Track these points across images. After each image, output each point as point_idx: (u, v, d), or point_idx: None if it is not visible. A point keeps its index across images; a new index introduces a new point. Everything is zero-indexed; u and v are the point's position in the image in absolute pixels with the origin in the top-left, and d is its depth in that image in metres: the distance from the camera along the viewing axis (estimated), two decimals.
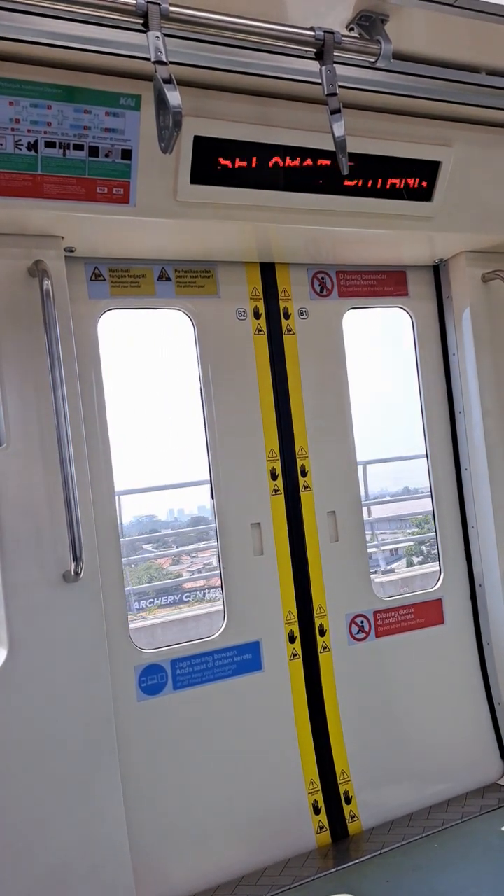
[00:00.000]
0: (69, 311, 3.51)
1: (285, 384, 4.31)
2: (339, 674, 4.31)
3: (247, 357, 4.24)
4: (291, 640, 4.22)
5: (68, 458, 3.28)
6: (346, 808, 4.20)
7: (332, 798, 4.19)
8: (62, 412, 3.28)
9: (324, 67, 2.85)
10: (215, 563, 4.13)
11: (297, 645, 4.23)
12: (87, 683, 3.42)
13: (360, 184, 3.74)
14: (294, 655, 4.22)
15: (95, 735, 3.42)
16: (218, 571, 4.07)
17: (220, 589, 4.06)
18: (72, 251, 3.68)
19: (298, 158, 3.55)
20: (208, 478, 4.16)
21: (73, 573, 3.32)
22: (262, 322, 4.29)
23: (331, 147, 3.00)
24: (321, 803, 4.15)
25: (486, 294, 4.64)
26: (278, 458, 4.26)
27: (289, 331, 4.35)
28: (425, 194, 3.93)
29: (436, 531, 4.80)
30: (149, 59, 2.54)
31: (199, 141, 3.31)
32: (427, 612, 4.63)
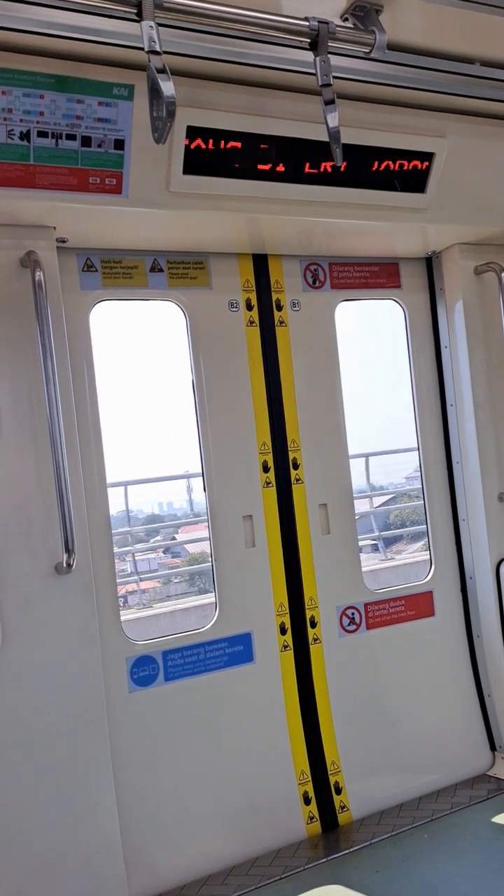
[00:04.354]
0: (61, 302, 3.49)
1: (277, 376, 4.31)
2: (330, 665, 4.33)
3: (239, 349, 4.23)
4: (283, 631, 4.23)
5: (60, 450, 3.27)
6: (337, 799, 4.22)
7: (323, 789, 4.20)
8: (54, 403, 3.27)
9: (318, 58, 2.84)
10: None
11: (289, 636, 4.24)
12: (78, 675, 3.42)
13: (353, 175, 3.72)
14: (285, 647, 4.23)
15: (87, 726, 3.43)
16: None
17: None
18: (64, 242, 3.66)
19: (292, 149, 3.54)
20: (200, 470, 4.16)
21: (64, 565, 3.32)
22: (255, 314, 4.27)
23: (325, 138, 2.99)
24: (311, 794, 4.17)
25: (478, 286, 4.64)
26: (270, 450, 4.25)
27: (281, 322, 4.34)
28: (419, 186, 3.92)
29: (427, 523, 4.81)
30: (142, 49, 2.53)
31: (192, 131, 3.29)
32: (418, 605, 4.64)
